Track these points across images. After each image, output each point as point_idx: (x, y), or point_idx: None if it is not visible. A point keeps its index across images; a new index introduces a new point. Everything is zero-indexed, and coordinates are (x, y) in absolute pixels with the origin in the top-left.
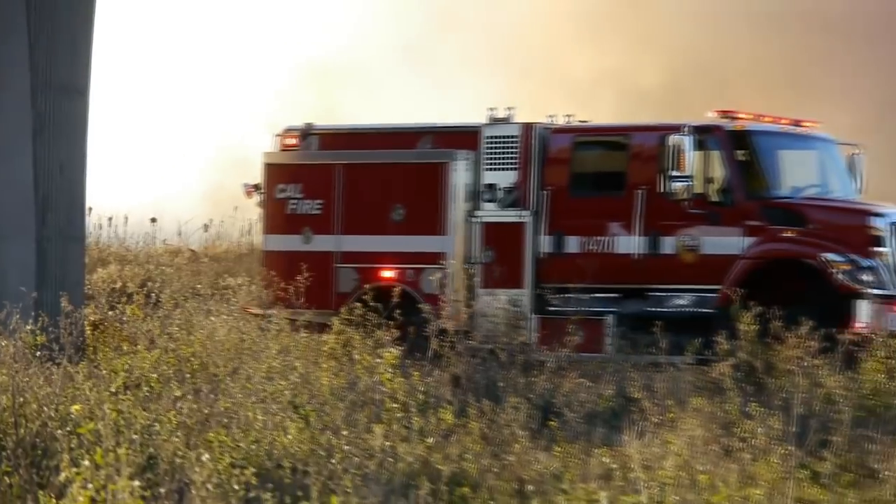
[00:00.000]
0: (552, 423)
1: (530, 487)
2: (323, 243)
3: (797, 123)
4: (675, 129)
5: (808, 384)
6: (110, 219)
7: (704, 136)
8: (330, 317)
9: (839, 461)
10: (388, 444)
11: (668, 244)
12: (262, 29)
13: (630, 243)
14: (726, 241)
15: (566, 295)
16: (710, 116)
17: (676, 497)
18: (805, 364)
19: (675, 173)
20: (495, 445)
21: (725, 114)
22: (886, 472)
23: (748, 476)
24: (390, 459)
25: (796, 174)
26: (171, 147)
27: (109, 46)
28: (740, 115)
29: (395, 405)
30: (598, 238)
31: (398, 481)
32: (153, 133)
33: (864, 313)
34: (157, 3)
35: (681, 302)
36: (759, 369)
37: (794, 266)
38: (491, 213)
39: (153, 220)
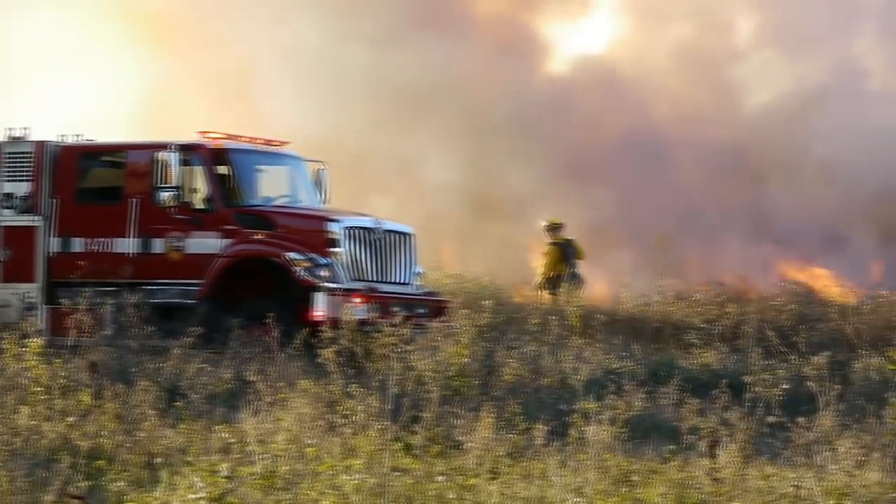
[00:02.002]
0: (178, 403)
1: (159, 460)
2: None
3: (270, 143)
4: (164, 146)
5: (401, 367)
6: None
7: (189, 153)
8: None
9: (428, 434)
10: (32, 423)
11: (158, 245)
12: None
13: (126, 244)
14: (207, 243)
15: (73, 288)
16: (194, 136)
17: (287, 467)
18: (399, 350)
19: (163, 185)
20: (128, 423)
21: (207, 134)
22: (469, 444)
23: (350, 448)
24: (35, 437)
25: (268, 186)
26: None
27: None
28: (220, 135)
29: (39, 389)
30: (100, 239)
31: (42, 456)
32: None
33: (321, 303)
34: None
35: (169, 294)
36: (359, 354)
37: (263, 263)
38: (9, 218)
39: None
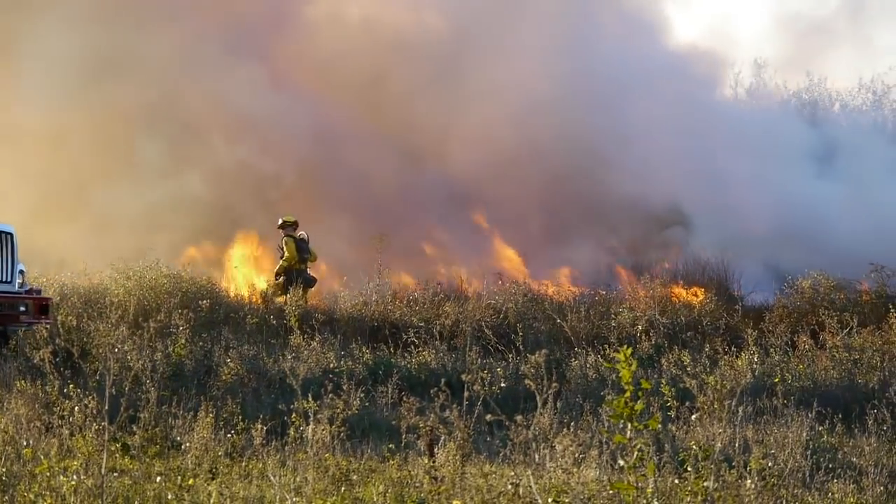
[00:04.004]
0: None
1: None
2: None
3: None
4: None
5: (118, 367)
6: None
7: None
8: None
9: (146, 435)
10: None
11: None
12: None
13: None
14: None
15: None
16: None
17: (3, 469)
18: (116, 350)
19: None
20: None
21: None
22: (187, 444)
23: (67, 449)
24: None
25: None
26: None
27: None
28: None
29: None
30: None
31: None
32: None
33: None
34: None
35: None
36: (75, 355)
37: None
38: None
39: None
